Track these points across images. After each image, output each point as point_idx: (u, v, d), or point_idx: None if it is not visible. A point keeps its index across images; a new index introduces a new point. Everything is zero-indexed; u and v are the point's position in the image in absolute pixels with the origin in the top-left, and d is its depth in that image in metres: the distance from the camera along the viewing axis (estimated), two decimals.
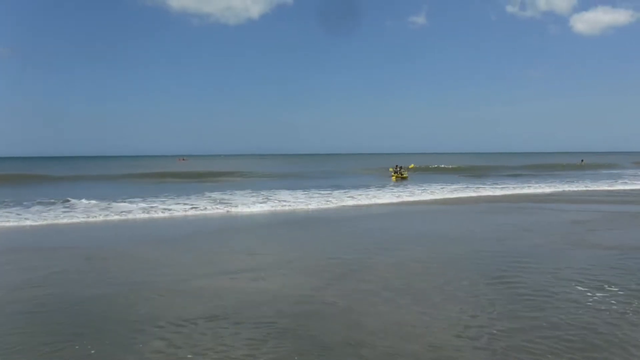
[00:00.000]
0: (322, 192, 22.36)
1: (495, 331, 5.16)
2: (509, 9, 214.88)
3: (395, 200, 19.58)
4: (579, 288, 6.66)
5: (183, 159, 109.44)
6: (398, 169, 34.73)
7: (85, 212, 15.61)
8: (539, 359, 4.53)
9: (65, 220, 14.12)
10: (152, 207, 16.66)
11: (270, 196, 20.29)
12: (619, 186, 26.10)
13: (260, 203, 17.98)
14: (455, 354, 4.66)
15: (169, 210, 16.17)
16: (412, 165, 37.80)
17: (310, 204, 17.89)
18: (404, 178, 33.12)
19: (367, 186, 25.78)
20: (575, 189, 24.69)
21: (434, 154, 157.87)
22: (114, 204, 17.16)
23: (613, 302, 6.07)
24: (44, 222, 13.91)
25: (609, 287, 6.70)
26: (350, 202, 18.43)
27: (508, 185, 26.94)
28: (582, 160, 66.96)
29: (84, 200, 17.82)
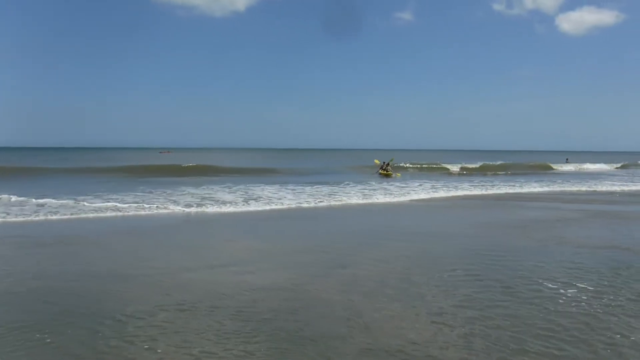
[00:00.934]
0: (307, 187, 22.16)
1: (477, 328, 5.09)
2: (496, 6, 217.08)
3: (379, 199, 19.43)
4: (550, 285, 6.66)
5: (168, 152, 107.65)
6: (385, 166, 34.64)
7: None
8: (524, 355, 4.48)
9: None
10: (105, 205, 15.56)
11: (254, 192, 19.98)
12: (601, 187, 26.31)
13: (243, 198, 17.67)
14: (437, 350, 4.60)
15: (132, 207, 15.75)
16: (392, 159, 37.49)
17: (294, 199, 17.64)
18: (388, 175, 33.04)
19: (352, 183, 25.62)
20: (559, 189, 24.85)
21: (422, 150, 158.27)
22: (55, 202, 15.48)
23: (584, 297, 6.08)
24: None
25: (580, 284, 6.72)
26: (335, 198, 18.22)
27: (490, 184, 27.01)
28: (567, 159, 67.68)
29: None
